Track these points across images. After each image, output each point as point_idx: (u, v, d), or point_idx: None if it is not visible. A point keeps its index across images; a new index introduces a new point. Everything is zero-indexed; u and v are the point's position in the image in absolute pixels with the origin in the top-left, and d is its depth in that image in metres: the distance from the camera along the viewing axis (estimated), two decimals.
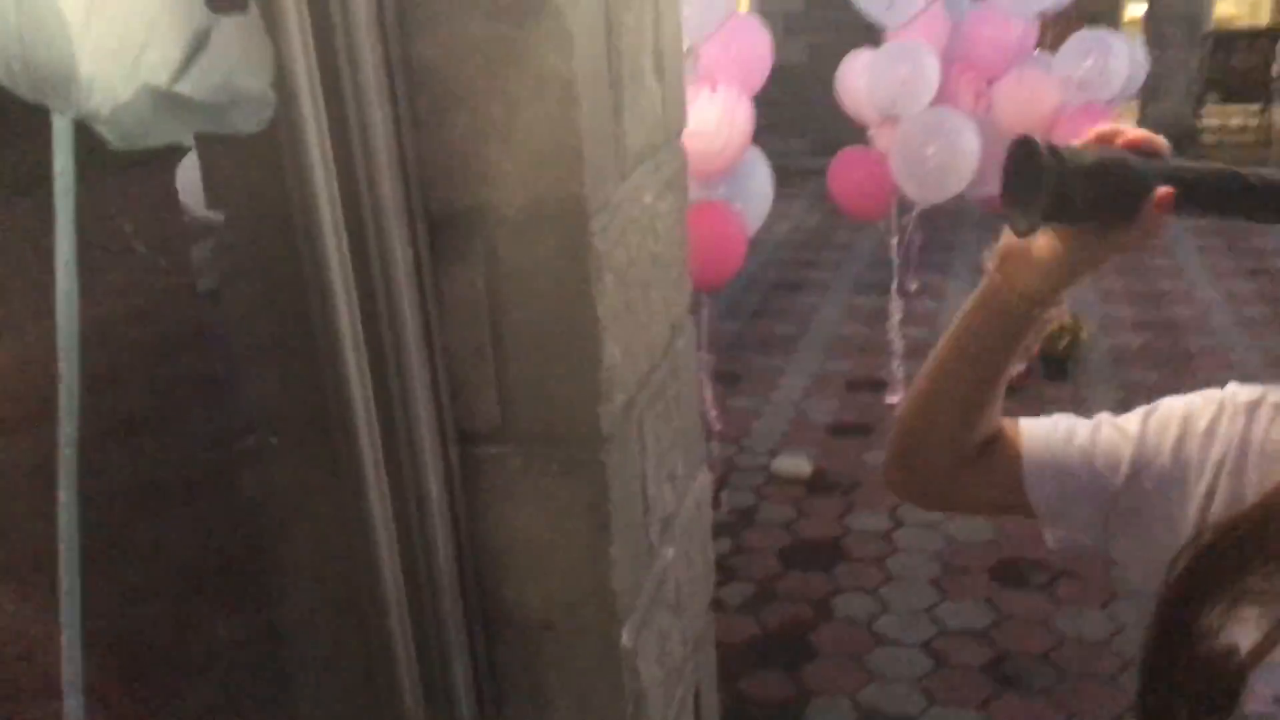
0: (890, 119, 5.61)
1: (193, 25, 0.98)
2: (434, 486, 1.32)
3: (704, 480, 1.72)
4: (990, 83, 5.75)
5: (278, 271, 1.23)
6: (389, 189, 1.19)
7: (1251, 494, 0.93)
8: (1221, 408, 1.00)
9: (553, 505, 1.37)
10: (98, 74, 0.88)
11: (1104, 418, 1.10)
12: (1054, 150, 0.86)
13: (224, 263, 1.32)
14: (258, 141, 1.13)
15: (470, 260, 1.27)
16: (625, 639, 1.41)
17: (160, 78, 0.95)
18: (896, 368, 6.07)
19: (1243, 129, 10.69)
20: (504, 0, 1.17)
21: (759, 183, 4.80)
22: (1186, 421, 1.00)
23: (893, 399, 6.09)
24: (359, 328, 1.21)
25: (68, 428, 0.88)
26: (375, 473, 1.27)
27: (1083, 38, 5.62)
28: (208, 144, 1.28)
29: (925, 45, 5.45)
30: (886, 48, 5.58)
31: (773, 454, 5.57)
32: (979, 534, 4.69)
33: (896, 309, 6.07)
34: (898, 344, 6.03)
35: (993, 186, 6.00)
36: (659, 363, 1.50)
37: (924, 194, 5.65)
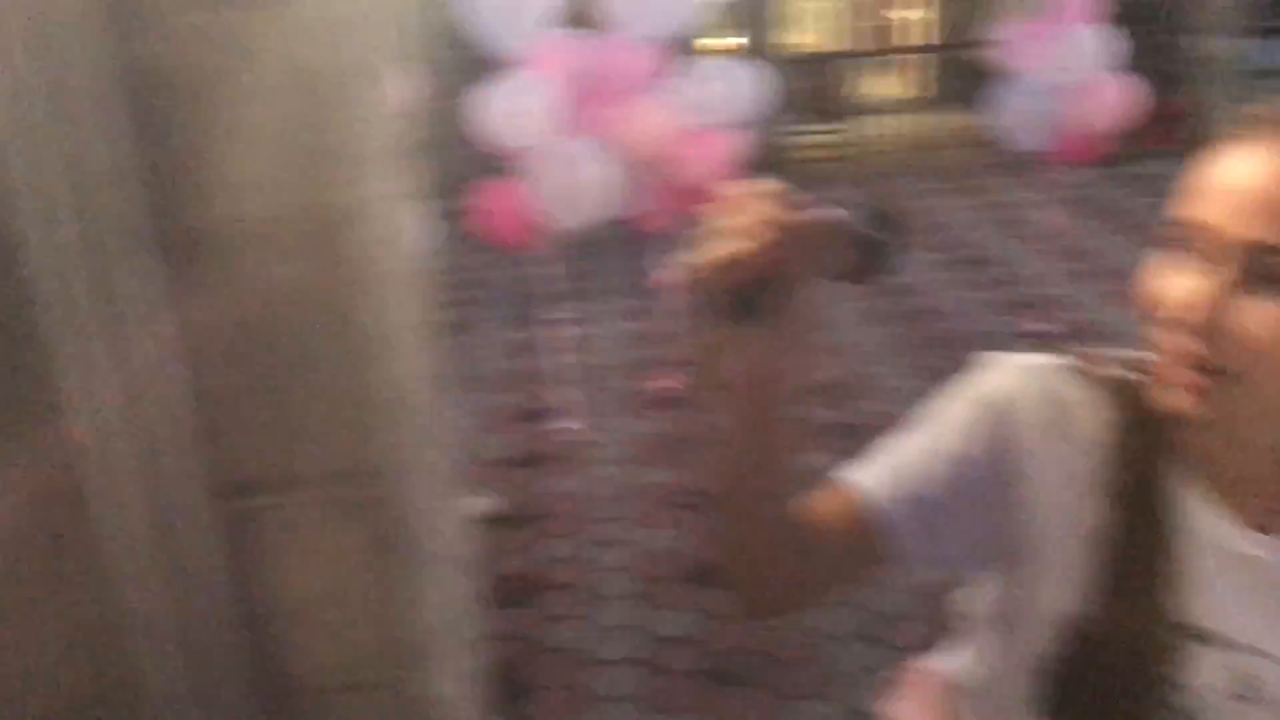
0: (526, 150, 5.68)
1: None
2: (207, 546, 1.16)
3: (474, 506, 1.63)
4: (619, 108, 5.95)
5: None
6: (121, 204, 1.03)
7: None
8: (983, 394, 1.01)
9: (341, 551, 1.23)
10: None
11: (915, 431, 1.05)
12: None
13: None
14: None
15: (224, 286, 1.12)
16: (430, 688, 1.30)
17: None
18: (558, 395, 6.13)
19: (824, 145, 11.76)
20: None
21: None
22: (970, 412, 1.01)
23: (559, 425, 6.15)
24: (91, 371, 1.04)
25: None
26: (143, 532, 1.09)
27: (696, 65, 5.95)
28: None
29: (541, 75, 5.56)
30: (503, 80, 5.63)
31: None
32: (669, 544, 4.81)
33: (549, 338, 6.15)
34: (556, 372, 6.10)
35: (630, 208, 6.13)
36: (433, 384, 1.40)
37: (559, 220, 5.75)
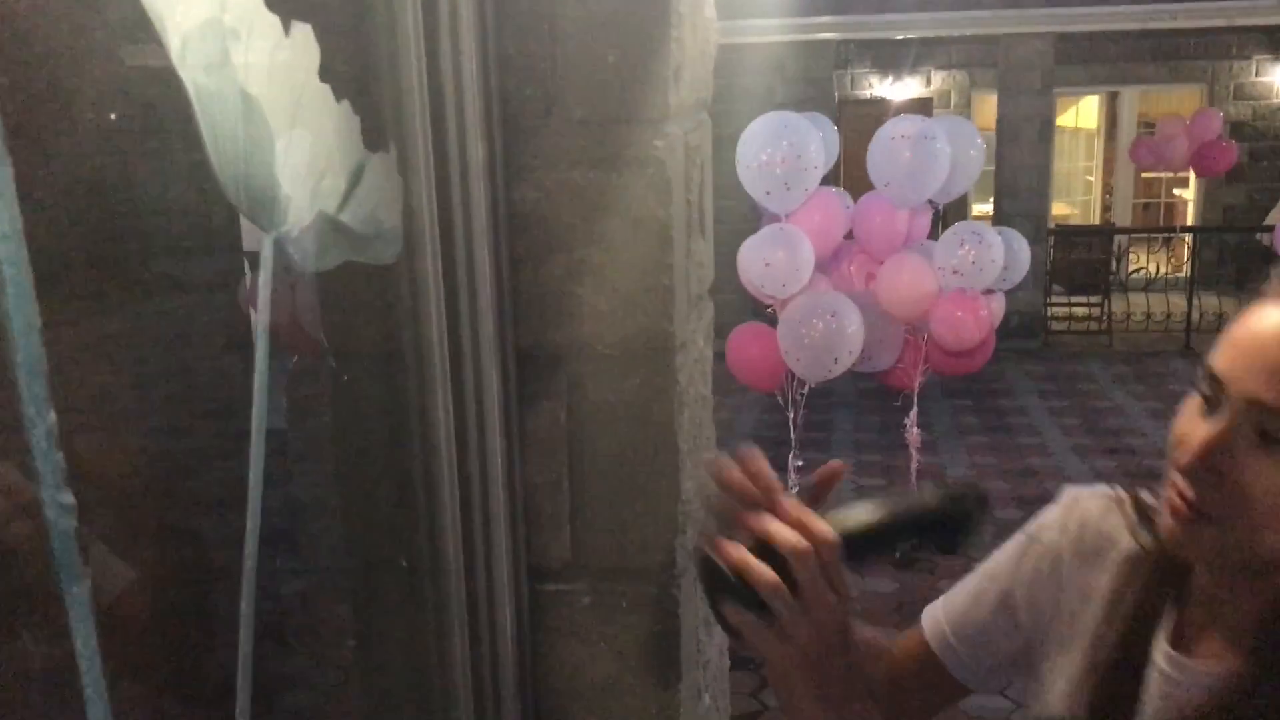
0: (782, 298, 5.86)
1: (354, 159, 1.02)
2: (508, 625, 1.32)
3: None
4: (877, 266, 6.07)
5: (373, 406, 1.24)
6: (489, 325, 1.23)
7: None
8: (1053, 522, 1.16)
9: (621, 644, 1.37)
10: (291, 197, 0.91)
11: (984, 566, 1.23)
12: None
13: (296, 399, 1.32)
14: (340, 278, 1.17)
15: (554, 395, 1.30)
16: None
17: (331, 205, 0.98)
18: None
19: (1086, 317, 11.47)
20: (605, 149, 1.24)
21: None
22: (1030, 543, 1.17)
23: None
24: (454, 462, 1.23)
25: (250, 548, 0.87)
26: (458, 609, 1.26)
27: (959, 229, 6.02)
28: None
29: (798, 230, 5.75)
30: (763, 232, 5.86)
31: None
32: None
33: (792, 485, 6.21)
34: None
35: (877, 362, 6.15)
36: (707, 504, 1.54)
37: (808, 370, 5.85)
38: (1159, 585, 1.02)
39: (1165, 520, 0.94)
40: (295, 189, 0.92)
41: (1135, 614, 1.03)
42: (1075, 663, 1.07)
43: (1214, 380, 0.91)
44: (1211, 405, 0.91)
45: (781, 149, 5.67)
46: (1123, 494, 1.11)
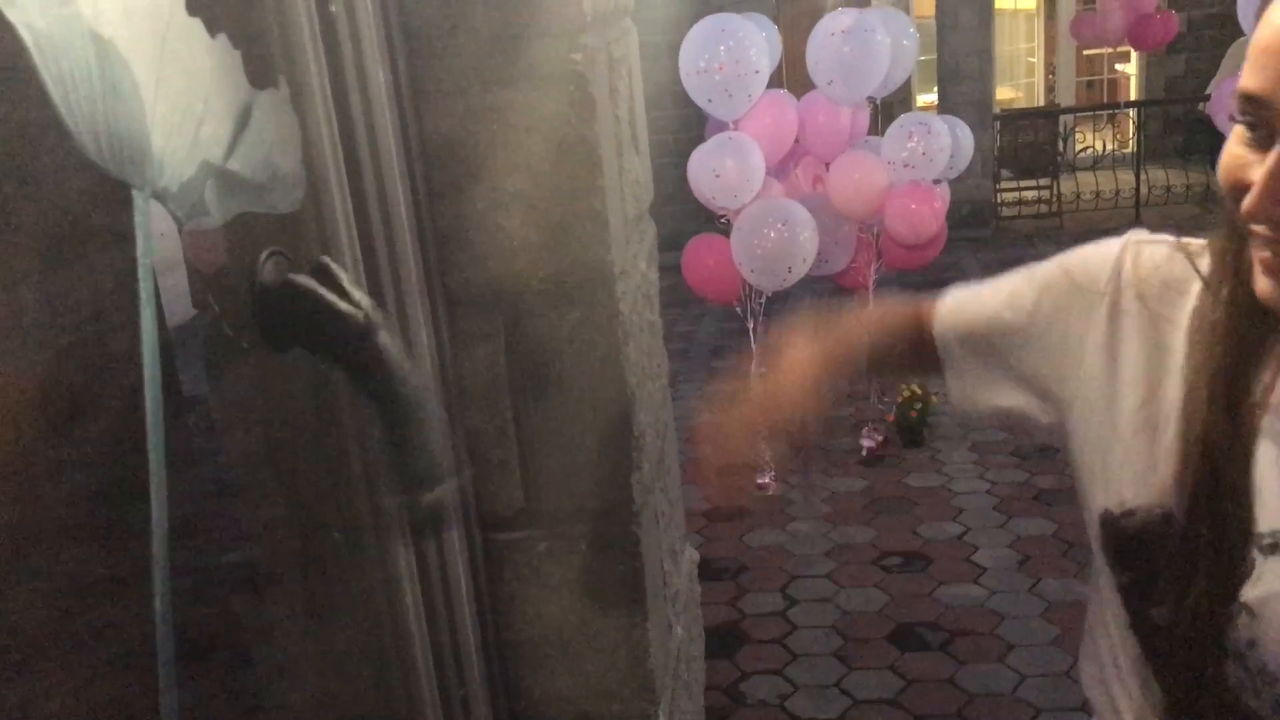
0: (733, 207, 5.76)
1: (239, 99, 0.93)
2: (461, 577, 1.25)
3: (692, 554, 1.69)
4: (826, 166, 5.99)
5: (297, 367, 1.16)
6: (411, 268, 1.14)
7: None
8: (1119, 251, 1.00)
9: (583, 587, 1.31)
10: (166, 149, 0.82)
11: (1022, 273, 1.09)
12: None
13: (216, 362, 1.23)
14: (244, 228, 1.07)
15: (490, 337, 1.22)
16: None
17: (216, 153, 0.89)
18: (763, 449, 6.15)
19: (1036, 200, 11.45)
20: (519, 67, 1.15)
21: None
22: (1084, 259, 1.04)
23: (763, 480, 6.16)
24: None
25: (157, 515, 0.80)
26: (406, 564, 1.20)
27: (904, 121, 5.93)
28: (190, 237, 1.20)
29: (747, 138, 5.63)
30: (710, 142, 5.73)
31: None
32: (872, 604, 4.75)
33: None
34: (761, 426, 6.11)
35: (833, 264, 6.08)
36: (662, 432, 1.47)
37: (763, 281, 5.77)
38: (1257, 353, 0.84)
39: (1261, 283, 0.78)
40: (170, 139, 0.82)
41: (1230, 381, 0.84)
42: (1155, 440, 0.89)
43: (1255, 103, 0.75)
44: (1260, 134, 0.76)
45: (720, 54, 5.52)
46: (1189, 242, 0.93)
